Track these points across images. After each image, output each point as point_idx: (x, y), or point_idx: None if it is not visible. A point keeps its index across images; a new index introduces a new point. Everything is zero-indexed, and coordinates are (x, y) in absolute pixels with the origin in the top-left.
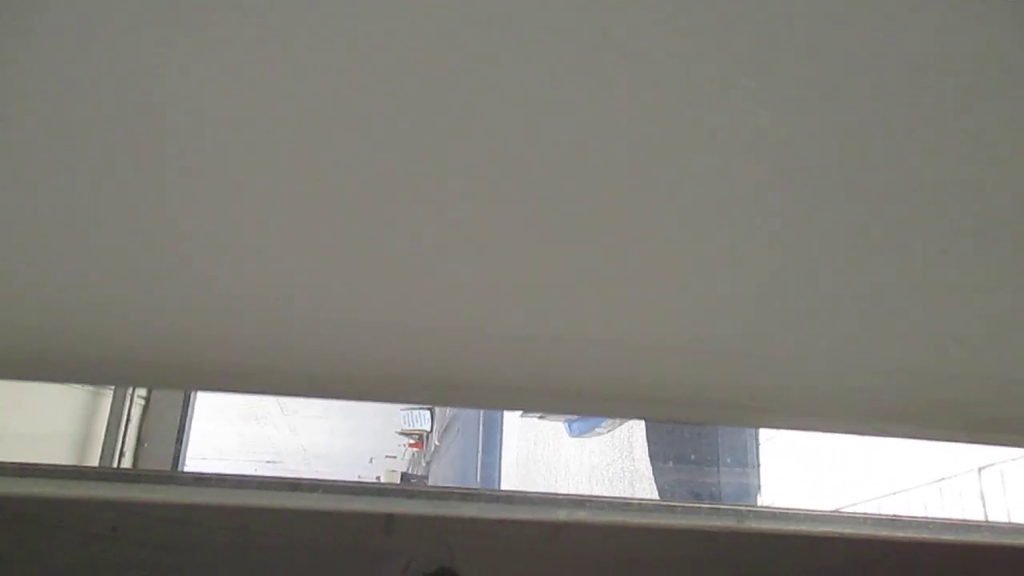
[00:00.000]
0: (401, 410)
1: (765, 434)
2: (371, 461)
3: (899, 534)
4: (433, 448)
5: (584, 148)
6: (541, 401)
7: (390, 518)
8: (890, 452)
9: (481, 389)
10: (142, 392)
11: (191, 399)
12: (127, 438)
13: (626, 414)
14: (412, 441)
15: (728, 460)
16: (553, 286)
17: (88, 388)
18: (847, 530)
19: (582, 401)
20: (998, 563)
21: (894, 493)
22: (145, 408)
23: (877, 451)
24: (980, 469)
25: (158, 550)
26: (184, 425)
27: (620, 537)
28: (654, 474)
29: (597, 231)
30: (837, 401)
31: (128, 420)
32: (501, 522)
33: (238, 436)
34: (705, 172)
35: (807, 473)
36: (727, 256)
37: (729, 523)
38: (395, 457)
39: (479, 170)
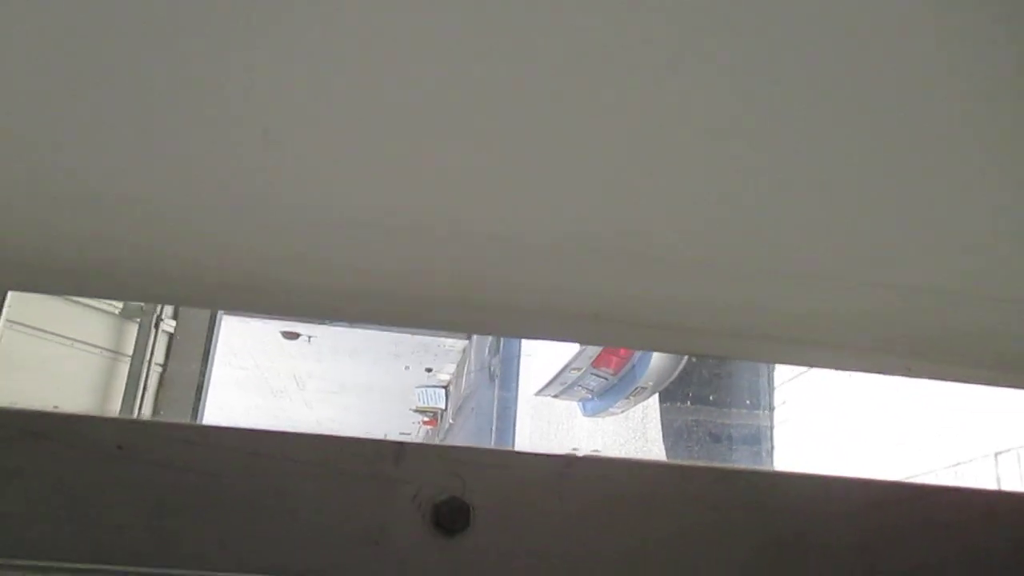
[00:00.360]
0: (416, 387)
1: (778, 416)
2: (384, 437)
3: (919, 482)
4: (447, 426)
5: (598, 66)
6: (560, 327)
7: (401, 447)
8: (906, 436)
9: (496, 310)
10: (159, 359)
11: (208, 369)
12: (143, 407)
13: (637, 344)
14: (426, 419)
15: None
16: (566, 196)
17: (106, 354)
18: (867, 476)
19: (597, 327)
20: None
21: (909, 478)
22: (162, 377)
23: (892, 436)
24: (997, 454)
25: (166, 470)
26: (200, 395)
27: (635, 473)
28: (661, 415)
29: (613, 143)
30: (860, 328)
31: (145, 388)
32: (514, 454)
33: (254, 409)
34: (722, 85)
35: (821, 457)
36: (743, 171)
37: (747, 463)
38: (409, 434)
39: (496, 82)
